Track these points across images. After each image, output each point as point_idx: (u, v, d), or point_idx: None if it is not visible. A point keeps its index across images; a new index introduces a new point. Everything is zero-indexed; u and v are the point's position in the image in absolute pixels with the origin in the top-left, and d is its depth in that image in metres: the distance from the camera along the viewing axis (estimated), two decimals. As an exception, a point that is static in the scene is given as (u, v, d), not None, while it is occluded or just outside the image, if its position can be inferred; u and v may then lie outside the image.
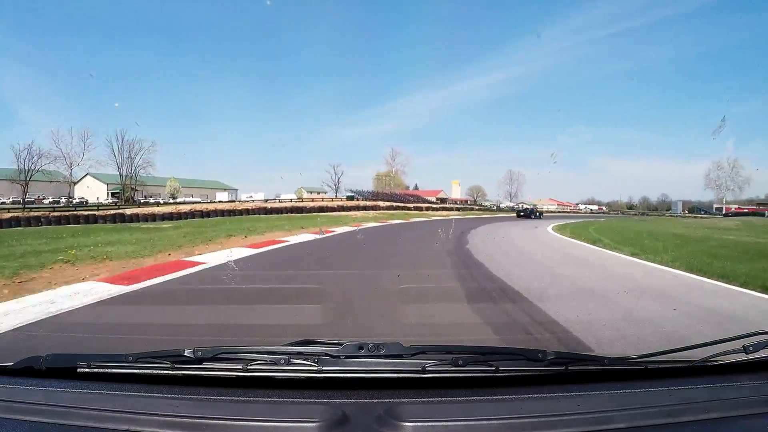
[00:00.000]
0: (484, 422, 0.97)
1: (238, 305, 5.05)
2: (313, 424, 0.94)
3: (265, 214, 38.91)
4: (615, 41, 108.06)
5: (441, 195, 78.21)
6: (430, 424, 0.96)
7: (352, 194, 57.91)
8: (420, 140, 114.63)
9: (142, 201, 51.14)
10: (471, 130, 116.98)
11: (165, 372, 1.17)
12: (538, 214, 45.50)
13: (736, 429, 0.99)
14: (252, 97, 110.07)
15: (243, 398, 1.09)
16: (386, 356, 1.18)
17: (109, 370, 1.19)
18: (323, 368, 1.13)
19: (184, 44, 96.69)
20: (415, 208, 56.41)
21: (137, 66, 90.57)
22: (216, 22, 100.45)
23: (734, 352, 1.21)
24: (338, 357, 1.18)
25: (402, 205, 56.72)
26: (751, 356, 1.20)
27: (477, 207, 72.35)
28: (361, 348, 1.19)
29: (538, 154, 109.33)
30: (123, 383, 1.18)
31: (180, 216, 33.44)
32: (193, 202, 47.39)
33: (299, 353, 1.20)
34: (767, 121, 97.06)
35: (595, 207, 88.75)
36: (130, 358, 1.20)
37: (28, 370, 1.23)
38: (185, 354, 1.19)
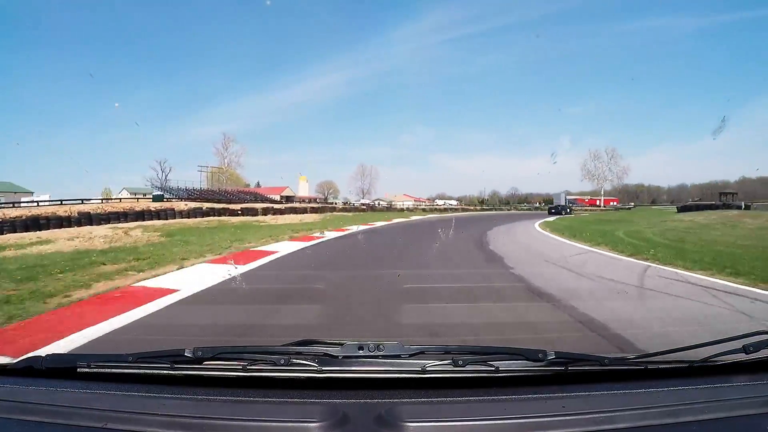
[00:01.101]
0: (484, 422, 0.96)
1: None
2: (313, 425, 0.93)
3: None
4: (457, 45, 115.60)
5: (286, 193, 68.34)
6: (430, 424, 0.95)
7: (161, 193, 44.38)
8: (266, 140, 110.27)
9: None
10: (320, 128, 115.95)
11: (165, 372, 1.16)
12: (569, 210, 44.82)
13: (737, 429, 0.98)
14: (79, 92, 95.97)
15: (243, 398, 1.08)
16: (386, 356, 1.17)
17: (109, 370, 1.19)
18: (323, 368, 1.12)
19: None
20: (244, 211, 35.28)
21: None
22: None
23: (734, 352, 1.19)
24: (338, 357, 1.17)
25: (224, 206, 35.82)
26: (751, 356, 1.18)
27: (342, 206, 58.88)
28: (361, 348, 1.18)
29: (388, 152, 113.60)
30: (123, 383, 1.17)
31: None
32: None
33: (299, 353, 1.20)
34: (598, 120, 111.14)
35: (454, 202, 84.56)
36: (130, 358, 1.20)
37: (28, 370, 1.23)
38: (185, 354, 1.18)
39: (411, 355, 1.18)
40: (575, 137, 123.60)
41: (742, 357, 1.19)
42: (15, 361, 1.27)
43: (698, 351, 1.24)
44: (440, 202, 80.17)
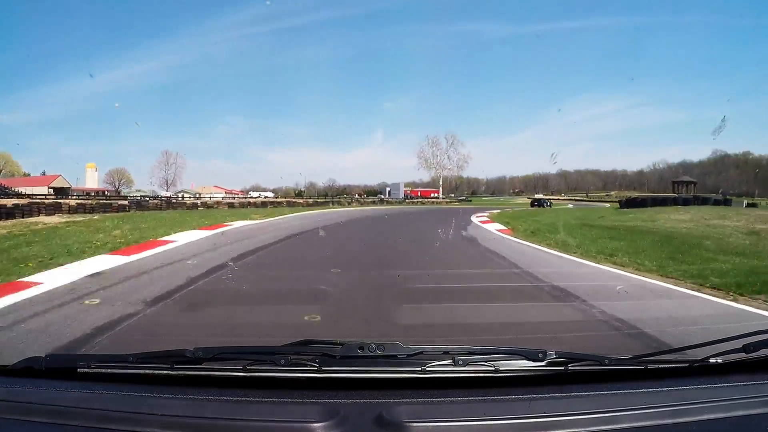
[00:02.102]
0: (484, 422, 0.96)
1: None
2: (313, 425, 0.93)
3: None
4: (273, 38, 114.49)
5: (58, 183, 53.22)
6: (429, 424, 0.95)
7: None
8: (63, 130, 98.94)
9: None
10: (127, 118, 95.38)
11: (165, 372, 1.16)
12: (549, 203, 45.51)
13: (737, 429, 0.98)
14: None
15: (243, 398, 1.08)
16: (386, 356, 1.16)
17: (109, 371, 1.19)
18: (323, 368, 1.12)
19: None
20: None
21: None
22: None
23: (735, 351, 1.19)
24: (338, 357, 1.17)
25: None
26: (752, 356, 1.18)
27: (89, 201, 32.47)
28: (360, 348, 1.18)
29: (200, 143, 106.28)
30: (123, 383, 1.17)
31: None
32: None
33: (299, 353, 1.20)
34: (413, 115, 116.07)
35: (270, 194, 72.70)
36: (131, 359, 1.19)
37: (27, 370, 1.23)
38: (185, 354, 1.18)
39: (411, 355, 1.17)
40: (390, 131, 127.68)
41: (742, 357, 1.18)
42: (15, 361, 1.26)
43: (698, 351, 1.24)
44: (255, 194, 68.43)
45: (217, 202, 43.36)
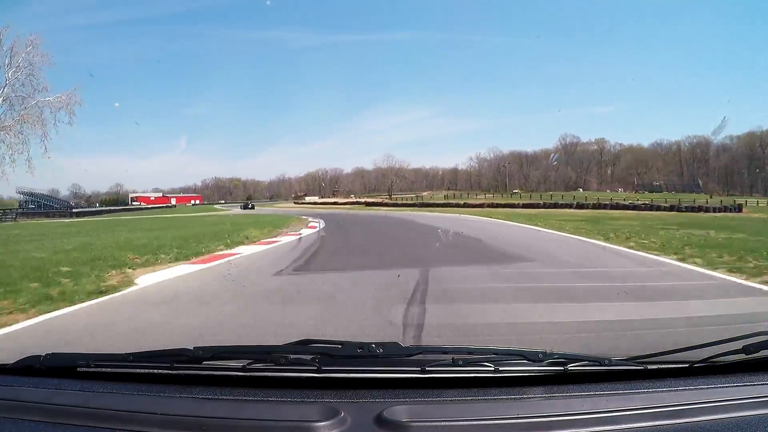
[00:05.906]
0: (484, 422, 0.96)
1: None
2: (313, 424, 0.93)
3: None
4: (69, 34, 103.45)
5: None
6: (429, 424, 0.96)
7: None
8: None
9: None
10: None
11: (165, 372, 1.16)
12: (252, 205, 48.74)
13: (737, 429, 0.98)
14: None
15: (242, 398, 1.08)
16: (385, 356, 1.17)
17: (109, 370, 1.19)
18: (323, 368, 1.12)
19: None
20: None
21: None
22: None
23: (735, 352, 1.19)
24: (338, 357, 1.17)
25: None
26: (751, 357, 1.19)
27: None
28: (360, 348, 1.18)
29: None
30: (123, 383, 1.17)
31: None
32: None
33: (299, 353, 1.20)
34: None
35: None
36: (130, 358, 1.20)
37: (27, 370, 1.23)
38: (185, 353, 1.18)
39: (410, 356, 1.17)
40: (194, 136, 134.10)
41: (742, 357, 1.18)
42: (14, 360, 1.26)
43: (698, 351, 1.24)
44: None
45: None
